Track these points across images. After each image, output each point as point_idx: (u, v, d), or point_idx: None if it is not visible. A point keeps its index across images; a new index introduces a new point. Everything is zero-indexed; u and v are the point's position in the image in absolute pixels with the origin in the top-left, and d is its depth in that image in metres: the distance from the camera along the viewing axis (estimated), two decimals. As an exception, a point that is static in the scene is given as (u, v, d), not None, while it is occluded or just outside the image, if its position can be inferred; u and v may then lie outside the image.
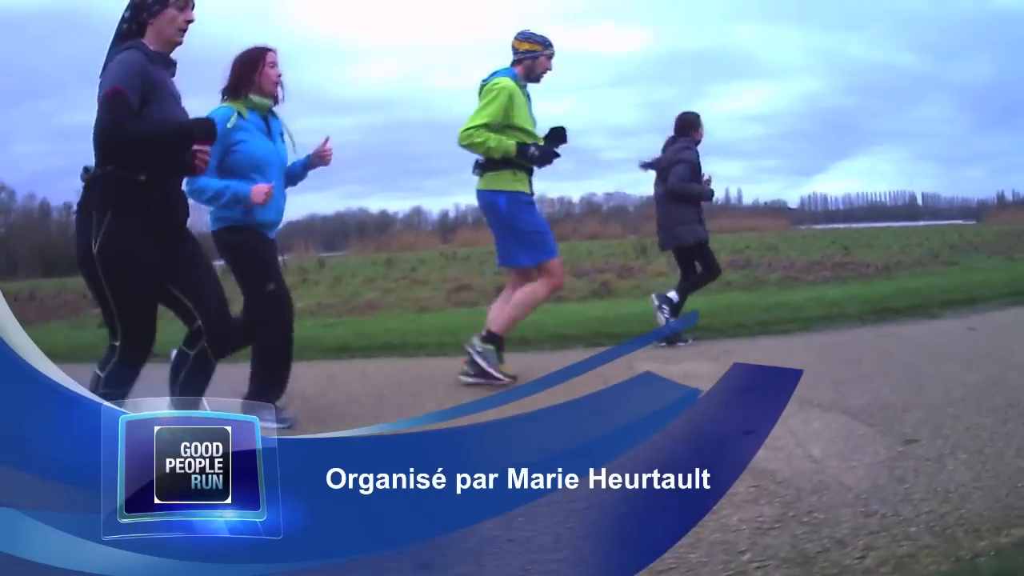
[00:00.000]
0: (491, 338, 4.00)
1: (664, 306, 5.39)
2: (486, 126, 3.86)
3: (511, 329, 4.06)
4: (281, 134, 3.32)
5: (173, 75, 2.67)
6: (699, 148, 5.50)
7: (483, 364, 3.93)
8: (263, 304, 3.14)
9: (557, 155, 4.00)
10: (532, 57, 4.08)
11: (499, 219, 4.00)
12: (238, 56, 3.22)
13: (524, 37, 4.10)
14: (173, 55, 2.65)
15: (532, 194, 4.08)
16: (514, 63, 4.10)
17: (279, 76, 3.23)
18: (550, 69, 4.15)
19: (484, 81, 4.03)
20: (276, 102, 3.27)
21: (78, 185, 2.53)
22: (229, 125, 3.07)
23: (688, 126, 5.49)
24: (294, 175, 3.39)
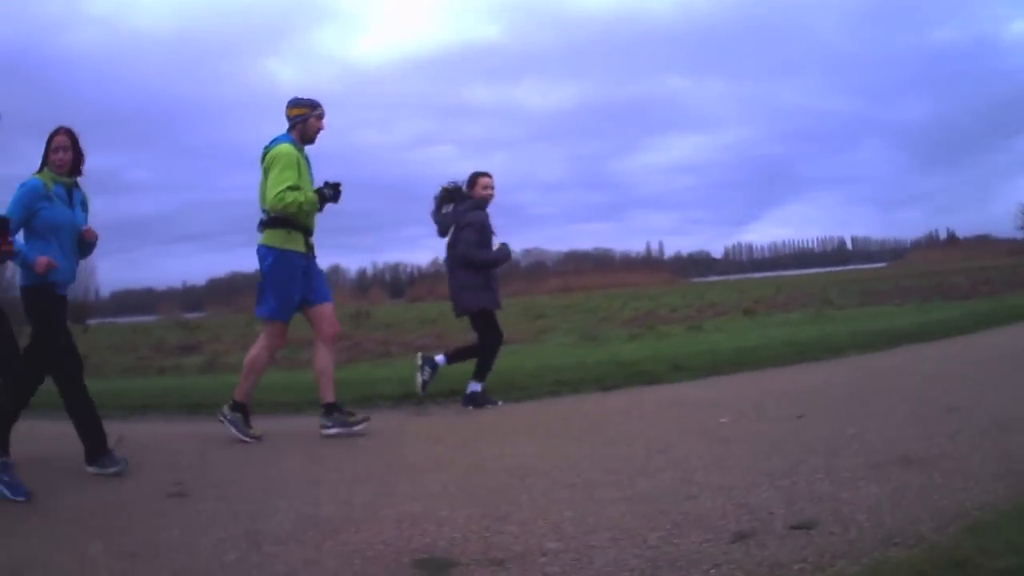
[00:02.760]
0: (236, 407, 4.27)
1: (426, 367, 5.15)
2: (292, 188, 4.14)
3: (250, 394, 4.34)
4: (82, 203, 3.77)
5: None
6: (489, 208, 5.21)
7: (232, 429, 4.22)
8: (51, 354, 3.58)
9: (337, 189, 4.29)
10: (302, 120, 4.33)
11: (263, 271, 4.27)
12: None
13: (293, 103, 4.36)
14: None
15: (308, 253, 4.32)
16: (289, 129, 4.34)
17: (61, 157, 3.61)
18: (322, 128, 4.39)
19: (266, 147, 4.29)
20: (71, 178, 3.70)
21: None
22: (36, 194, 3.54)
23: (468, 184, 5.23)
24: (84, 246, 3.82)
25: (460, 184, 5.28)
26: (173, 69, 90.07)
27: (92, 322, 40.75)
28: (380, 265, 71.85)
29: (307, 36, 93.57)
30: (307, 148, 4.40)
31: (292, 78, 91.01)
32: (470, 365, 5.21)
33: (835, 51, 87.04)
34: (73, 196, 3.70)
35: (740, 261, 77.02)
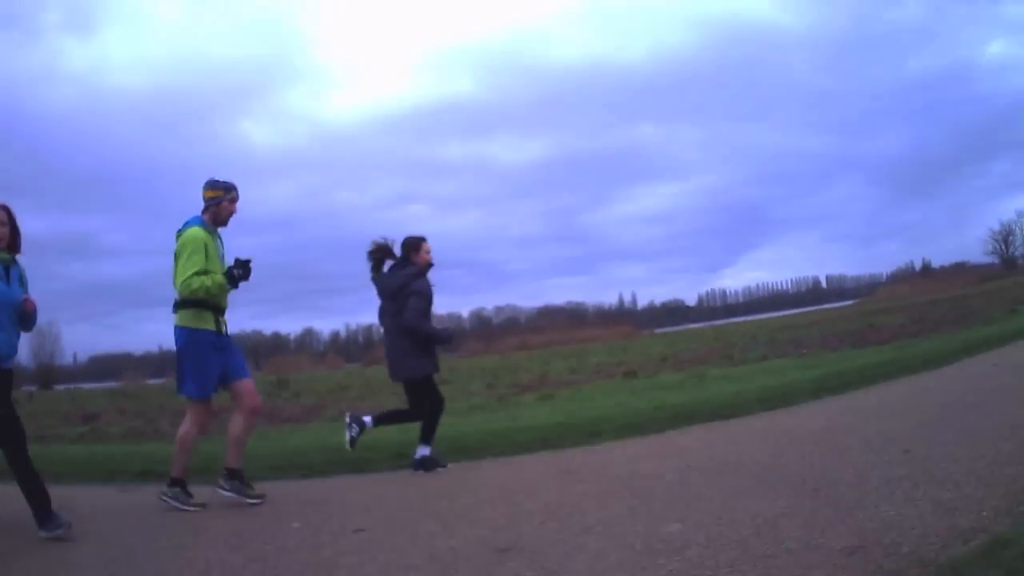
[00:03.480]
0: (174, 483, 4.35)
1: (354, 424, 5.15)
2: (198, 273, 4.28)
3: (186, 468, 4.41)
4: (20, 278, 3.92)
5: None
6: (430, 275, 5.23)
7: (176, 503, 4.31)
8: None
9: (247, 267, 4.38)
10: (216, 203, 4.42)
11: (178, 350, 4.41)
12: None
13: (210, 185, 4.44)
14: None
15: (219, 331, 4.42)
16: (203, 211, 4.44)
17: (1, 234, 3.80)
18: (234, 212, 4.50)
19: (178, 231, 4.38)
20: (9, 254, 3.86)
21: None
22: None
23: (409, 249, 5.22)
24: (25, 318, 3.94)
25: (391, 241, 5.29)
26: (148, 129, 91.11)
27: (60, 387, 39.67)
28: (353, 327, 71.24)
29: (280, 96, 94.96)
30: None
31: (266, 139, 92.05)
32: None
33: (807, 89, 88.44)
34: (10, 272, 3.86)
35: (714, 307, 76.82)
